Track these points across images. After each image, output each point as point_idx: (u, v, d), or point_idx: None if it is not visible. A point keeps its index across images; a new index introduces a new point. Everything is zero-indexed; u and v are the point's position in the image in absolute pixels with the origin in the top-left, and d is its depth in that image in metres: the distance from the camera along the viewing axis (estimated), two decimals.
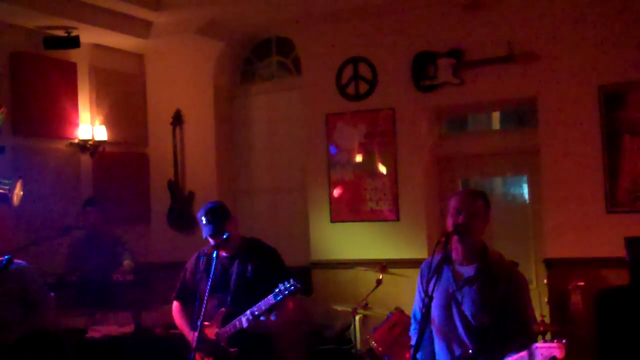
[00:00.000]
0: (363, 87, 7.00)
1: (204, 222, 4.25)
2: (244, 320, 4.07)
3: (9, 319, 4.63)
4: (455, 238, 3.40)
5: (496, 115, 7.33)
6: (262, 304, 4.01)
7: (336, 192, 7.11)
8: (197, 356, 4.21)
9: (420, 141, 6.81)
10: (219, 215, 4.26)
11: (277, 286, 3.98)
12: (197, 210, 4.50)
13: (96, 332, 5.57)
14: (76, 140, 7.20)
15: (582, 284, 5.74)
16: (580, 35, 6.06)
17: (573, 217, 6.05)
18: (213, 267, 4.08)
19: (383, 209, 6.87)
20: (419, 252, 6.55)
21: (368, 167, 6.96)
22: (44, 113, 6.90)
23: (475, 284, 3.38)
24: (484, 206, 3.46)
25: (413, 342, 3.62)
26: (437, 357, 3.51)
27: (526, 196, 6.78)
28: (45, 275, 5.72)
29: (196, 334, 4.01)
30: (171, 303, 4.58)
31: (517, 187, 6.99)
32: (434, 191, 6.90)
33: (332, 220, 7.12)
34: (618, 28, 5.93)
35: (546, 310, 5.86)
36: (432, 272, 3.39)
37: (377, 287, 5.98)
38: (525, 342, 3.07)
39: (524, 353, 3.02)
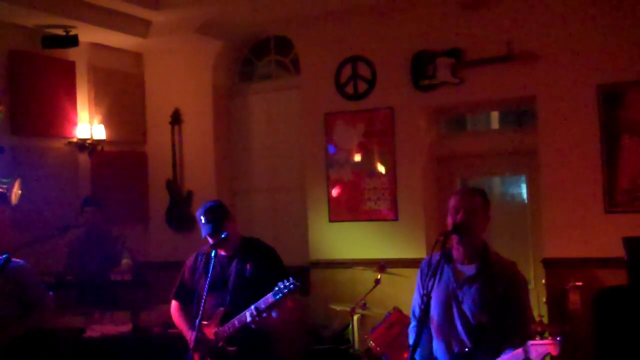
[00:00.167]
0: (362, 87, 6.99)
1: (203, 221, 4.25)
2: (247, 314, 4.06)
3: (7, 318, 4.62)
4: (455, 237, 3.41)
5: (495, 115, 7.33)
6: (262, 302, 4.00)
7: (335, 192, 7.10)
8: (196, 355, 4.21)
9: (419, 141, 6.81)
10: (218, 214, 4.26)
11: (276, 285, 3.97)
12: (195, 209, 4.49)
13: (94, 331, 5.56)
14: (74, 139, 7.19)
15: (580, 283, 5.74)
16: (579, 35, 6.06)
17: (571, 217, 6.05)
18: (211, 267, 4.08)
19: (382, 208, 6.87)
20: (417, 251, 6.55)
21: (367, 166, 6.96)
22: (42, 112, 6.89)
23: (476, 283, 3.39)
24: (483, 204, 3.46)
25: (411, 338, 3.63)
26: (435, 355, 3.51)
27: (525, 196, 6.78)
28: (44, 274, 5.72)
29: (194, 333, 4.01)
30: (169, 302, 4.58)
31: (515, 187, 6.99)
32: (432, 191, 6.90)
33: (331, 220, 7.12)
34: (617, 28, 5.93)
35: (544, 310, 5.86)
36: (431, 271, 3.40)
37: (375, 286, 5.97)
38: (523, 341, 3.08)
39: (519, 350, 3.04)
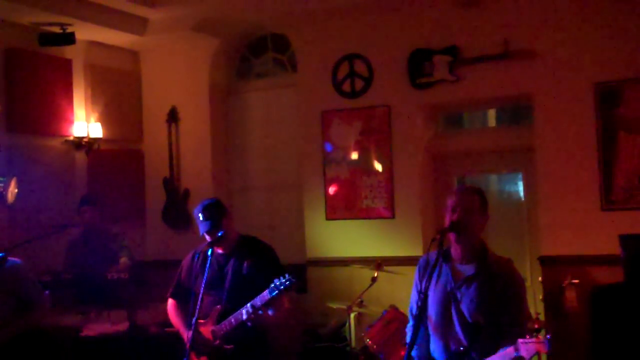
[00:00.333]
0: (359, 84, 6.99)
1: (201, 218, 4.24)
2: (243, 312, 4.06)
3: (3, 317, 4.61)
4: (452, 236, 3.41)
5: (492, 113, 7.34)
6: (258, 299, 4.00)
7: (332, 190, 7.10)
8: (192, 354, 4.21)
9: (416, 138, 6.80)
10: (216, 211, 4.26)
11: (272, 282, 3.97)
12: (192, 207, 4.49)
13: (91, 330, 5.55)
14: (71, 138, 7.18)
15: (576, 281, 5.75)
16: (576, 33, 6.06)
17: (568, 214, 6.05)
18: (208, 265, 4.07)
19: (378, 206, 6.87)
20: (414, 249, 6.55)
21: (363, 164, 6.96)
22: (38, 110, 6.88)
23: (474, 283, 3.39)
24: (481, 203, 3.46)
25: (409, 337, 3.63)
26: (433, 354, 3.51)
27: (521, 193, 6.78)
28: (40, 273, 5.71)
29: (191, 331, 4.00)
30: (166, 301, 4.58)
31: (512, 185, 6.99)
32: (429, 188, 6.90)
33: (328, 218, 7.12)
34: (614, 26, 5.93)
35: (541, 308, 5.87)
36: (427, 270, 3.40)
37: (372, 284, 5.98)
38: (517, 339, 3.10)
39: (510, 349, 3.06)
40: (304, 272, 7.10)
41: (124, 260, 6.30)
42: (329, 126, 7.11)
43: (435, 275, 3.44)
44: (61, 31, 6.73)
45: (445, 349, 3.43)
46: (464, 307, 3.38)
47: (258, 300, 4.01)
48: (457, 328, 3.39)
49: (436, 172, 6.97)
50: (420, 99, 6.73)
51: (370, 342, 5.41)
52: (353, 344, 6.12)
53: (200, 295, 4.01)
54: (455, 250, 3.48)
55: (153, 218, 7.91)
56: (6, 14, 6.41)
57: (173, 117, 7.82)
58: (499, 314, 3.31)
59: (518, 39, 6.23)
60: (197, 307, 3.99)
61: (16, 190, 5.74)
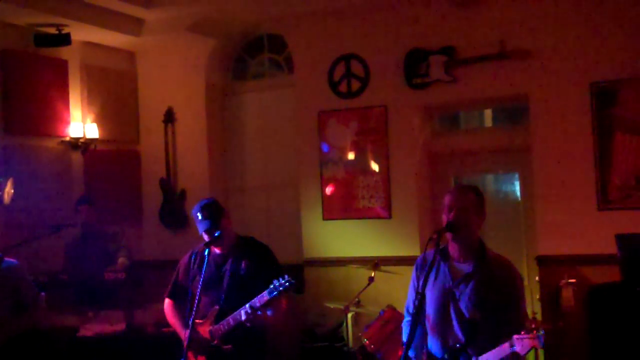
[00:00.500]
0: (355, 85, 6.99)
1: (200, 218, 4.24)
2: (242, 312, 4.05)
3: (1, 318, 4.60)
4: (449, 235, 3.41)
5: (488, 113, 7.35)
6: (257, 300, 4.00)
7: (328, 190, 7.10)
8: (190, 354, 4.20)
9: (412, 138, 6.81)
10: (214, 211, 4.26)
11: (271, 283, 3.97)
12: (189, 208, 4.50)
13: (88, 330, 5.54)
14: (67, 138, 7.18)
15: (573, 280, 5.77)
16: (572, 33, 6.07)
17: (565, 214, 6.06)
18: (205, 265, 4.07)
19: (375, 206, 6.88)
20: (411, 249, 6.55)
21: (360, 164, 6.96)
22: (35, 111, 6.87)
23: (472, 281, 3.39)
24: (477, 201, 3.46)
25: (405, 334, 3.64)
26: (431, 353, 3.51)
27: (518, 193, 6.79)
28: (37, 273, 5.70)
29: (188, 331, 4.00)
30: (164, 301, 4.57)
31: (509, 185, 7.01)
32: (426, 188, 6.91)
33: (325, 218, 7.12)
34: (610, 25, 5.94)
35: (538, 307, 5.89)
36: (425, 269, 3.40)
37: (369, 284, 5.98)
38: None
39: (505, 345, 3.08)
40: (301, 272, 7.10)
41: (121, 260, 6.30)
42: (326, 126, 7.12)
43: (433, 274, 3.44)
44: (57, 32, 6.73)
45: (444, 346, 3.43)
46: (462, 306, 3.38)
47: (257, 301, 4.00)
48: (456, 326, 3.39)
49: (433, 172, 6.98)
50: (417, 99, 6.73)
51: (367, 341, 5.41)
52: (351, 343, 6.12)
53: (198, 295, 4.01)
54: (452, 249, 3.48)
55: (150, 218, 7.90)
56: (2, 15, 6.41)
57: (169, 117, 7.81)
58: (498, 312, 3.31)
59: (514, 39, 6.24)
60: (194, 306, 3.99)
61: (12, 191, 5.73)
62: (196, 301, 4.00)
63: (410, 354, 3.52)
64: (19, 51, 6.75)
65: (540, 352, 5.51)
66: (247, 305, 4.03)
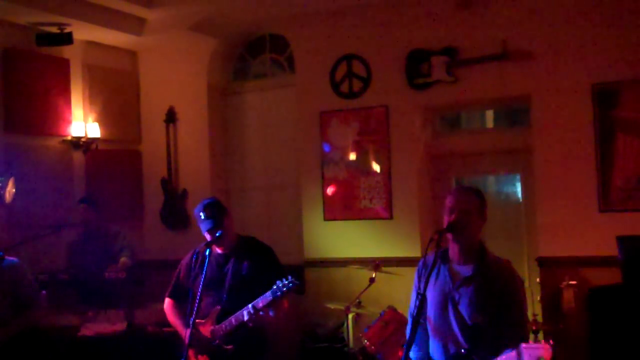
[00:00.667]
0: (357, 85, 6.99)
1: (202, 217, 4.24)
2: (245, 313, 4.05)
3: (1, 317, 4.60)
4: (449, 236, 3.40)
5: (490, 114, 7.34)
6: (260, 301, 4.00)
7: (330, 190, 7.10)
8: (191, 354, 4.20)
9: (413, 139, 6.81)
10: (217, 210, 4.26)
11: (274, 283, 3.97)
12: (190, 208, 4.50)
13: (88, 330, 5.55)
14: (69, 138, 7.18)
15: (574, 282, 5.76)
16: (574, 34, 6.07)
17: (566, 215, 6.06)
18: (206, 265, 4.07)
19: (376, 207, 6.87)
20: (412, 250, 6.55)
21: (361, 165, 6.96)
22: (36, 110, 6.88)
23: (472, 284, 3.37)
24: (479, 203, 3.44)
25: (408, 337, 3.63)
26: (432, 356, 3.50)
27: (519, 194, 6.79)
28: (38, 272, 5.70)
29: (189, 331, 4.00)
30: (164, 300, 4.57)
31: (510, 186, 7.00)
32: (427, 189, 6.90)
33: (326, 219, 7.12)
34: (612, 26, 5.94)
35: (538, 309, 5.87)
36: (426, 271, 3.38)
37: (370, 285, 5.97)
38: (519, 341, 3.08)
39: (512, 353, 3.03)
40: (301, 272, 7.10)
41: (123, 260, 6.29)
42: (327, 127, 7.11)
43: (433, 276, 3.43)
44: (59, 31, 6.73)
45: (444, 350, 3.41)
46: (462, 309, 3.37)
47: (260, 302, 4.00)
48: (456, 330, 3.38)
49: (434, 172, 6.97)
50: (418, 99, 6.73)
51: (368, 342, 5.41)
52: (351, 344, 6.11)
53: (199, 295, 4.01)
54: (453, 251, 3.46)
55: (151, 218, 7.91)
56: (4, 14, 6.41)
57: (171, 117, 7.82)
58: (498, 315, 3.29)
59: (516, 39, 6.24)
60: (195, 306, 3.99)
61: (14, 190, 5.73)
62: (197, 301, 4.00)
63: (411, 355, 3.51)
64: (21, 50, 6.75)
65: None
66: (249, 306, 4.03)
